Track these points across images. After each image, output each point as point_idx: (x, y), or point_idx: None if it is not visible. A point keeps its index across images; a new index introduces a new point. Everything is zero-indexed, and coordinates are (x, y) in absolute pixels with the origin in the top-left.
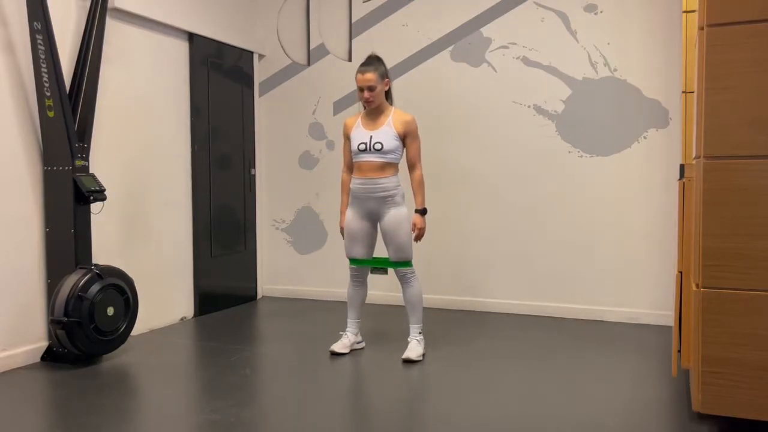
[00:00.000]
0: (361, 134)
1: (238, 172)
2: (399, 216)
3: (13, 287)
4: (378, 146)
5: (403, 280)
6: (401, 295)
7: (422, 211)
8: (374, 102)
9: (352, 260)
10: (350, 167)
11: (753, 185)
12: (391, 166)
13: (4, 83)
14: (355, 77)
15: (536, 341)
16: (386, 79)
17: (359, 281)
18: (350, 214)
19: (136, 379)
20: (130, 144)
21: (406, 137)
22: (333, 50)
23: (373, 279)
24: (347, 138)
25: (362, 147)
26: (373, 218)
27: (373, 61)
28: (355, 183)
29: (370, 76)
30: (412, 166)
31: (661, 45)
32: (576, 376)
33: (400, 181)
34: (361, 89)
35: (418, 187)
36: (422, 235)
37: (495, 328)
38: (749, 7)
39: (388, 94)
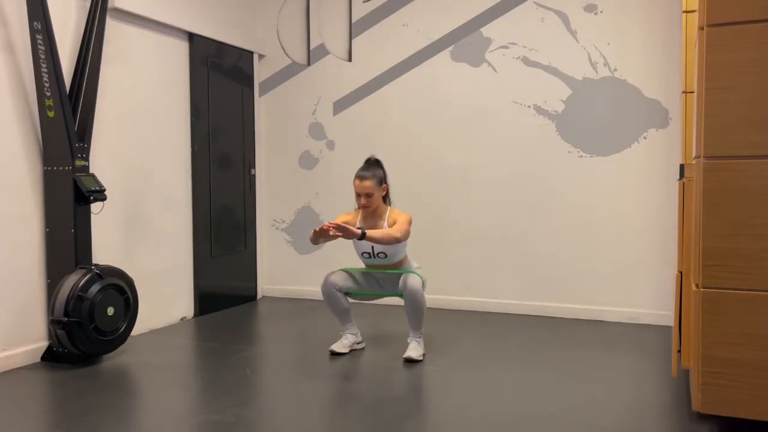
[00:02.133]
0: (362, 243)
1: (238, 172)
2: (414, 271)
3: (13, 287)
4: (382, 255)
5: (410, 294)
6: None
7: (362, 234)
8: (371, 207)
9: (346, 269)
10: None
11: (753, 185)
12: (400, 261)
13: (4, 83)
14: (353, 182)
15: (536, 341)
16: (384, 185)
17: (336, 290)
18: (361, 273)
19: (136, 379)
20: (130, 144)
21: (395, 222)
22: (333, 50)
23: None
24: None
25: (366, 256)
26: (385, 289)
27: (371, 167)
28: (368, 268)
29: (368, 183)
30: (394, 228)
31: (661, 45)
32: (576, 376)
33: (410, 260)
34: (358, 195)
35: (384, 232)
36: (338, 233)
37: (495, 328)
38: (749, 7)
39: (385, 198)
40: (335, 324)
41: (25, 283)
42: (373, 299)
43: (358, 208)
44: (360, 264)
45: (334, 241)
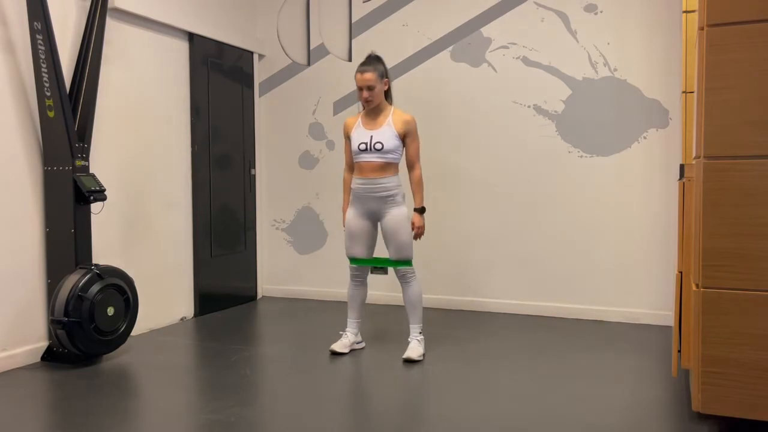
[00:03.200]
0: (361, 134)
1: (238, 172)
2: (399, 216)
3: (13, 287)
4: (378, 146)
5: (403, 280)
6: (401, 295)
7: (421, 210)
8: (374, 101)
9: (352, 260)
10: (351, 167)
11: (753, 185)
12: (391, 166)
13: (4, 83)
14: (355, 77)
15: (536, 341)
16: (385, 79)
17: (359, 281)
18: (351, 214)
19: (136, 379)
20: (130, 144)
21: (406, 137)
22: (333, 50)
23: (373, 279)
24: (347, 138)
25: (362, 147)
26: (374, 218)
27: (372, 61)
28: (356, 183)
29: (369, 75)
30: (411, 166)
31: (661, 45)
32: (576, 376)
33: (400, 181)
34: (360, 89)
35: (417, 187)
36: (422, 234)
37: (495, 328)
38: (749, 7)
39: (387, 94)
40: (335, 324)
41: (25, 283)
42: (378, 272)
43: (362, 107)
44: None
45: (333, 241)
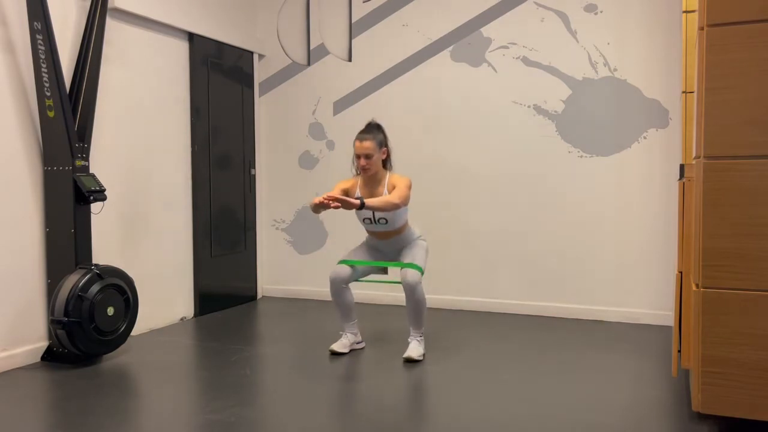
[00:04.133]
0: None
1: (238, 172)
2: (418, 243)
3: (13, 287)
4: (383, 221)
5: (410, 288)
6: (401, 295)
7: (361, 204)
8: (370, 170)
9: (346, 261)
10: None
11: (753, 185)
12: (402, 226)
13: (4, 83)
14: (353, 144)
15: (536, 341)
16: (384, 148)
17: (343, 287)
18: (362, 247)
19: (136, 379)
20: (130, 144)
21: (394, 187)
22: (333, 50)
23: (373, 278)
24: (339, 191)
25: (367, 221)
26: (388, 258)
27: (372, 129)
28: (371, 240)
29: (368, 144)
30: (393, 193)
31: (661, 45)
32: (576, 376)
33: (412, 228)
34: (358, 156)
35: (385, 198)
36: (338, 204)
37: (495, 328)
38: (749, 7)
39: (386, 162)
40: (335, 324)
41: (25, 283)
42: (380, 272)
43: (357, 173)
44: (364, 260)
45: (333, 241)
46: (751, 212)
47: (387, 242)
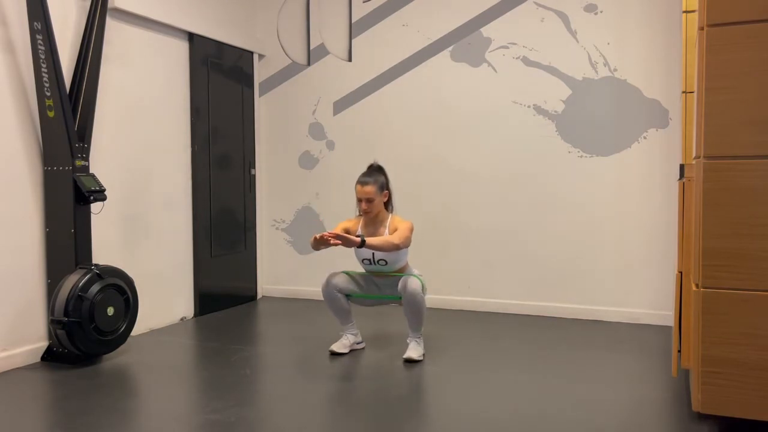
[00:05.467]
0: (362, 250)
1: (238, 172)
2: (413, 280)
3: (13, 287)
4: (382, 263)
5: (410, 297)
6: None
7: (362, 242)
8: (372, 213)
9: (345, 271)
10: None
11: (753, 185)
12: (401, 267)
13: (4, 83)
14: (355, 187)
15: (536, 341)
16: (385, 191)
17: (336, 291)
18: (363, 276)
19: (136, 379)
20: (130, 144)
21: (395, 229)
22: (333, 50)
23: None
24: (341, 230)
25: (367, 262)
26: (386, 291)
27: (373, 173)
28: (369, 275)
29: (369, 189)
30: (394, 234)
31: (661, 45)
32: (576, 376)
33: (410, 267)
34: (359, 200)
35: (386, 238)
36: (338, 242)
37: (495, 328)
38: (749, 7)
39: (387, 204)
40: (335, 324)
41: (25, 283)
42: (374, 303)
43: (359, 214)
44: (361, 269)
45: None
46: (751, 212)
47: (387, 281)
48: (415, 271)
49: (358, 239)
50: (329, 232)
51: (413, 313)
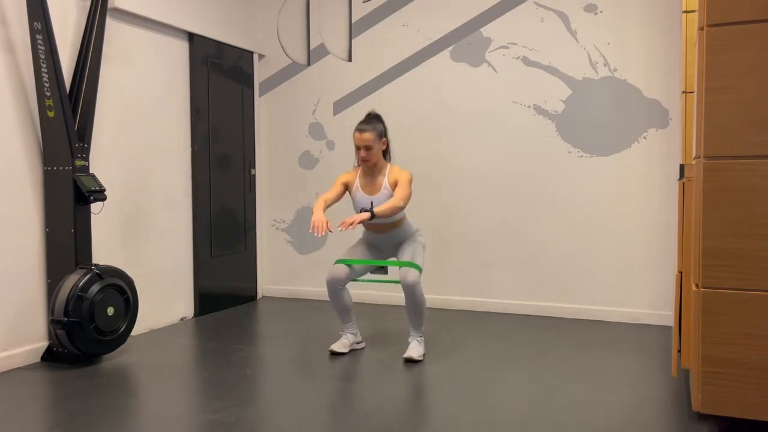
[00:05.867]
0: (361, 199)
1: (238, 172)
2: (415, 240)
3: (13, 287)
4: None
5: (409, 288)
6: (401, 295)
7: (371, 215)
8: (371, 161)
9: (344, 261)
10: (328, 201)
11: (753, 185)
12: (399, 219)
13: (4, 83)
14: (353, 135)
15: (536, 341)
16: (384, 139)
17: (339, 287)
18: (360, 245)
19: (136, 379)
20: (130, 144)
21: (396, 184)
22: (333, 50)
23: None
24: (342, 186)
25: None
26: (387, 253)
27: (371, 120)
28: (368, 234)
29: (368, 136)
30: (396, 195)
31: (661, 45)
32: (576, 376)
33: (410, 222)
34: (358, 148)
35: (390, 203)
36: (350, 223)
37: (495, 328)
38: (749, 7)
39: (386, 152)
40: (335, 324)
41: (25, 283)
42: (379, 272)
43: (358, 164)
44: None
45: (333, 241)
46: (751, 212)
47: (385, 236)
48: (414, 227)
49: (368, 214)
50: (341, 224)
51: (413, 306)
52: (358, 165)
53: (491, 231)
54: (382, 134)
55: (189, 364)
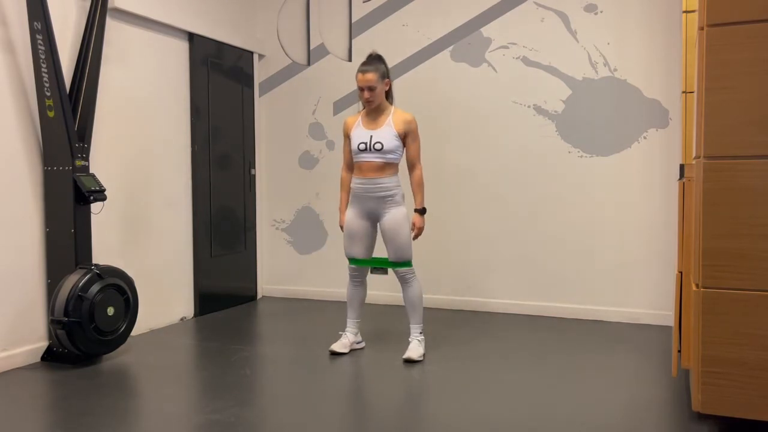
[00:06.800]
0: (361, 134)
1: (238, 172)
2: (398, 216)
3: (14, 287)
4: (378, 146)
5: (403, 281)
6: (401, 295)
7: (421, 211)
8: (374, 102)
9: (352, 260)
10: (350, 166)
11: (753, 185)
12: (390, 166)
13: (4, 83)
14: (356, 76)
15: (536, 341)
16: (387, 79)
17: (358, 281)
18: (350, 214)
19: (136, 379)
20: (130, 144)
21: (407, 136)
22: (333, 50)
23: (373, 279)
24: (347, 137)
25: (362, 147)
26: (373, 218)
27: (373, 61)
28: (355, 182)
29: (371, 76)
30: (411, 166)
31: (661, 45)
32: (576, 376)
33: (400, 182)
34: (361, 89)
35: (418, 187)
36: (420, 235)
37: (495, 328)
38: (749, 7)
39: (388, 94)
40: (335, 323)
41: (25, 283)
42: (379, 273)
43: (363, 107)
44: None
45: (333, 241)
46: (751, 212)
47: (373, 184)
48: (400, 188)
49: (422, 219)
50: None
51: (408, 295)
52: (363, 108)
53: (491, 231)
54: (385, 75)
55: (189, 364)
